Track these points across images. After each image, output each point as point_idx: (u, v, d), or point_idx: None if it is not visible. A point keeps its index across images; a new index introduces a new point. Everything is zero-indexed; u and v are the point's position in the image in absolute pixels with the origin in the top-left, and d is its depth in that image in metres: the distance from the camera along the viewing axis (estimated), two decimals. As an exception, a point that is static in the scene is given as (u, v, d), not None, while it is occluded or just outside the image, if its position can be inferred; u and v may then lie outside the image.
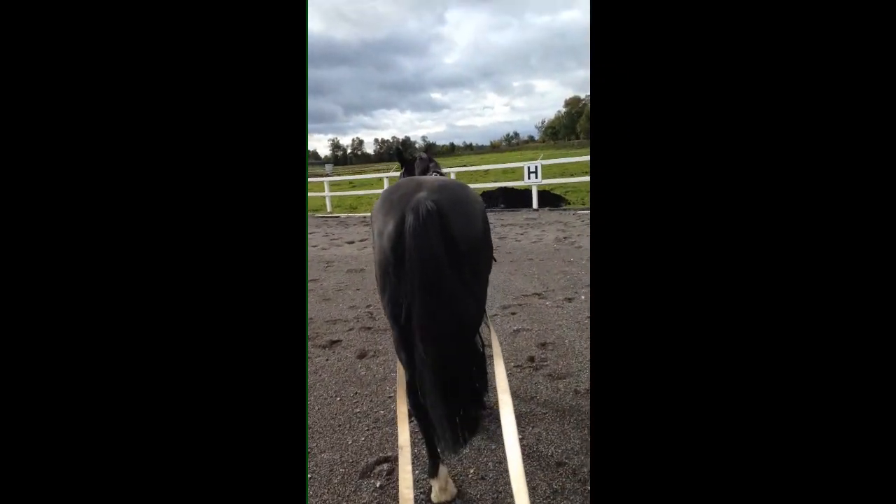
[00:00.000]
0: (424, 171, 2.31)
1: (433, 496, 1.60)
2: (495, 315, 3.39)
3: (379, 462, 1.83)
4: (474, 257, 1.42)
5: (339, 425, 2.12)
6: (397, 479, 1.44)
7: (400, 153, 2.57)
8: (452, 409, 1.29)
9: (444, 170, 2.67)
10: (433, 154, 2.59)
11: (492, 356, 1.55)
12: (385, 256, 1.37)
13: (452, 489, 1.63)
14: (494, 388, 1.38)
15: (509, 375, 2.40)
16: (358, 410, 2.24)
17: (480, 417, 1.40)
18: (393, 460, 1.83)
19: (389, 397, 2.33)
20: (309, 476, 1.77)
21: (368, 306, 3.84)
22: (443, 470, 1.60)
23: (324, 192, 12.74)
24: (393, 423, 2.08)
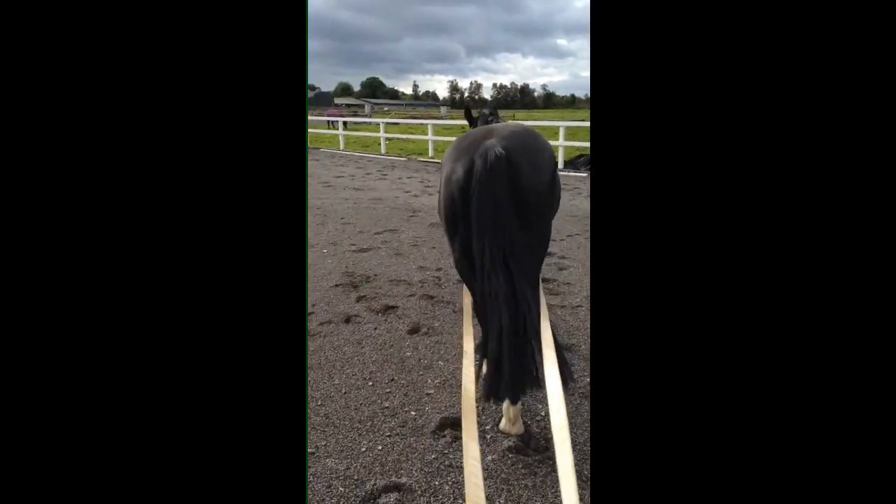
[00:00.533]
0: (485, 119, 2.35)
1: (501, 425, 1.67)
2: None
3: (388, 489, 1.45)
4: (540, 203, 1.43)
5: (360, 421, 1.78)
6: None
7: (468, 112, 2.59)
8: (516, 349, 1.28)
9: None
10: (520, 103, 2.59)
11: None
12: (453, 202, 1.40)
13: (520, 426, 1.64)
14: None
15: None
16: (387, 405, 1.89)
17: (536, 364, 1.31)
18: (405, 490, 1.45)
19: (427, 394, 1.94)
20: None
21: (438, 269, 3.45)
22: (516, 407, 1.61)
23: (427, 135, 12.42)
24: (420, 434, 1.69)
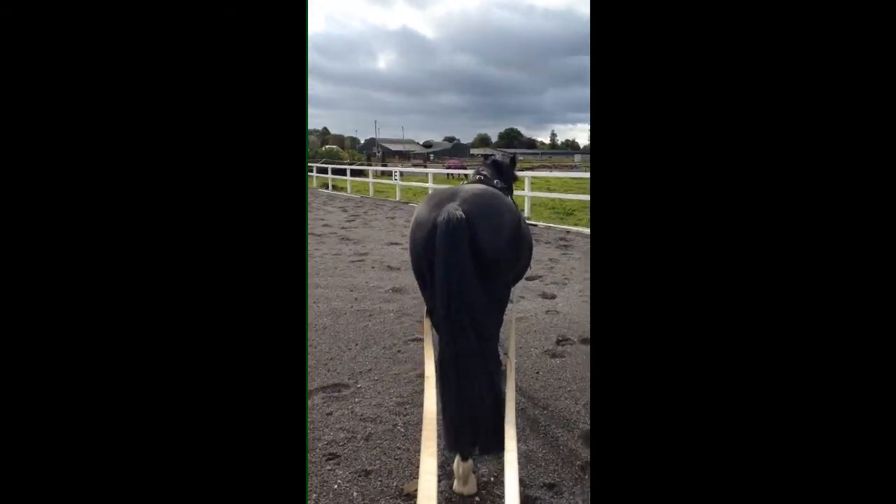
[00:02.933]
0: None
1: (455, 486, 1.63)
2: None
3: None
4: (499, 266, 1.51)
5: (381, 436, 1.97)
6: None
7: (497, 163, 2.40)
8: (465, 409, 1.39)
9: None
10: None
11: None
12: (418, 262, 1.54)
13: (473, 485, 1.64)
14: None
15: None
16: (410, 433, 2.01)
17: (497, 428, 1.38)
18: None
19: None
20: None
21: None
22: (466, 464, 1.60)
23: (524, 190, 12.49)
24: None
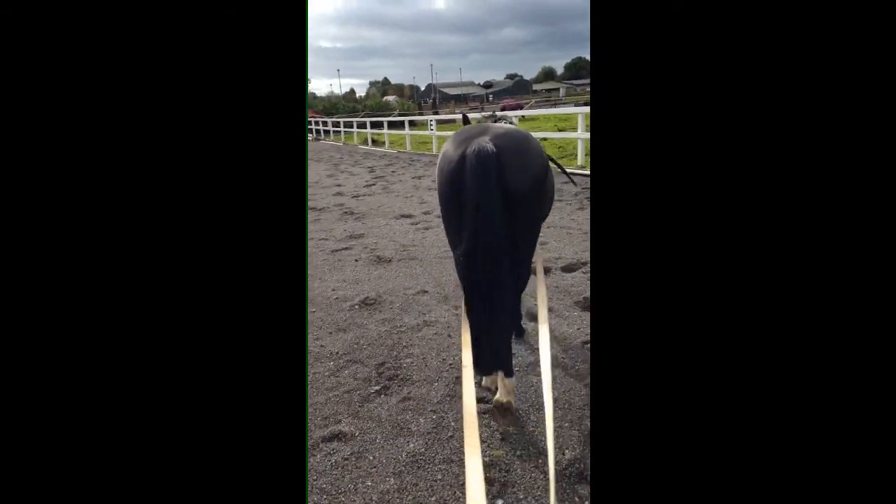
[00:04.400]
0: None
1: (497, 397, 1.71)
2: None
3: None
4: (526, 203, 1.53)
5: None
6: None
7: (466, 120, 2.48)
8: (495, 336, 1.46)
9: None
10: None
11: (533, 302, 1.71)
12: (446, 192, 1.55)
13: (514, 396, 1.72)
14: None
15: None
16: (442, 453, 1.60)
17: (509, 351, 1.56)
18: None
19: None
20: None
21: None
22: (510, 379, 1.67)
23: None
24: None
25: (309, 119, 25.25)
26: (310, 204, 6.25)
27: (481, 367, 1.52)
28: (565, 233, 4.30)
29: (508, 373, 1.66)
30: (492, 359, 1.53)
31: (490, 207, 1.42)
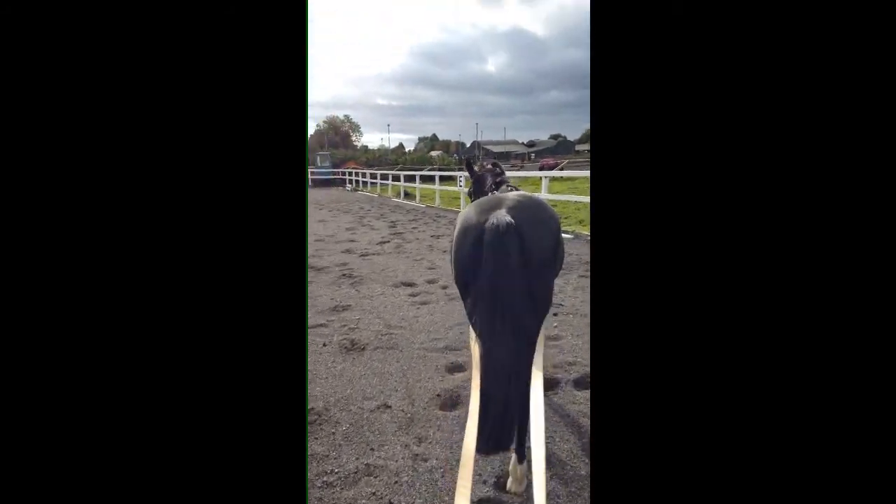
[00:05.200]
0: (496, 185, 2.24)
1: (509, 485, 1.68)
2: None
3: None
4: (545, 269, 1.55)
5: None
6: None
7: (470, 165, 2.53)
8: (508, 404, 1.37)
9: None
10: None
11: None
12: (463, 267, 1.52)
13: (523, 485, 1.65)
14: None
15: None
16: None
17: (524, 426, 1.50)
18: None
19: None
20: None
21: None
22: (522, 465, 1.63)
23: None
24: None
25: (351, 170, 26.05)
26: (313, 262, 5.76)
27: (497, 444, 1.38)
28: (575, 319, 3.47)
29: (521, 457, 1.65)
30: (511, 435, 1.42)
31: (510, 276, 1.41)
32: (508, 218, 1.44)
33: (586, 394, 2.47)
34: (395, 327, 3.51)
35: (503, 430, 1.37)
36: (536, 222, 1.55)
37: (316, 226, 9.35)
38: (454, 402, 2.43)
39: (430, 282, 4.87)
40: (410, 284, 4.79)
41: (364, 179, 22.62)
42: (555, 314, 3.72)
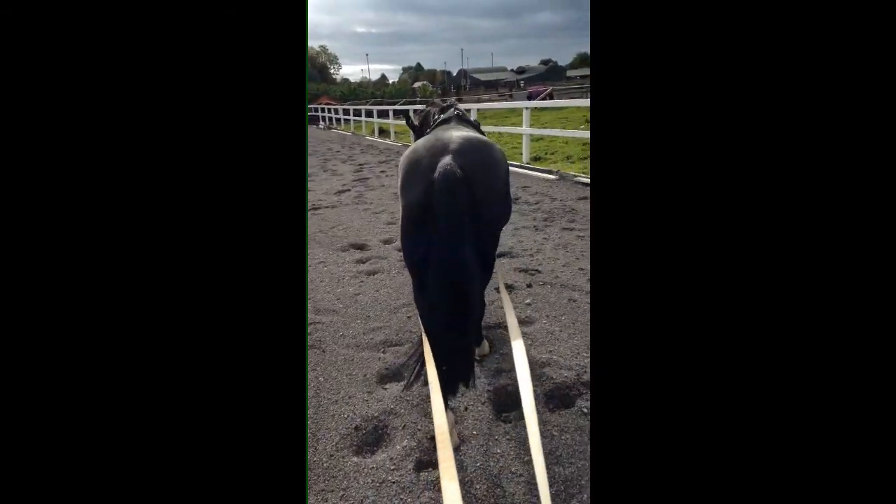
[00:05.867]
0: (441, 111, 2.12)
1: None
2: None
3: None
4: (494, 217, 1.54)
5: None
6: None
7: (408, 118, 2.43)
8: (454, 341, 1.41)
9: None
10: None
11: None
12: (411, 216, 1.46)
13: (455, 438, 1.62)
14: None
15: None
16: None
17: (472, 351, 1.55)
18: None
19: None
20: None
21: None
22: (450, 414, 1.55)
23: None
24: None
25: (322, 106, 24.14)
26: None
27: (450, 389, 1.42)
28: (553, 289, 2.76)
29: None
30: (460, 376, 1.47)
31: (460, 232, 1.38)
32: (457, 169, 1.38)
33: (563, 417, 1.79)
34: (326, 312, 2.78)
35: (455, 381, 1.41)
36: (487, 169, 1.49)
37: (274, 172, 8.35)
38: (377, 439, 1.74)
39: (386, 242, 4.10)
40: (361, 247, 4.01)
41: (338, 117, 20.99)
42: (528, 285, 3.00)
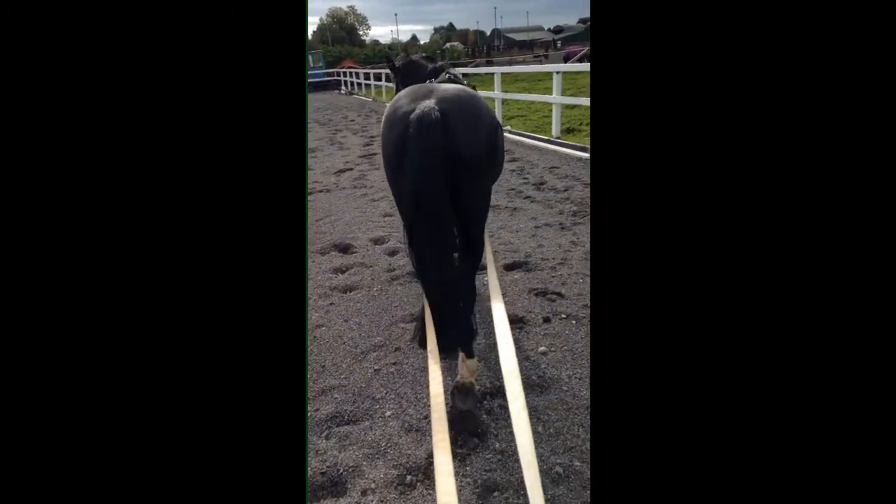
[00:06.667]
0: (433, 74, 2.02)
1: (459, 378, 1.57)
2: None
3: None
4: (476, 167, 1.43)
5: None
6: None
7: (390, 60, 2.26)
8: (448, 312, 1.39)
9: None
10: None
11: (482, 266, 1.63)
12: (390, 159, 1.46)
13: (474, 375, 1.60)
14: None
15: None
16: None
17: (469, 326, 1.47)
18: None
19: None
20: None
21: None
22: (472, 360, 1.57)
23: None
24: None
25: (345, 70, 23.12)
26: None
27: (440, 346, 1.33)
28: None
29: (469, 353, 1.56)
30: (450, 336, 1.40)
31: (433, 175, 1.31)
32: (436, 111, 1.33)
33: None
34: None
35: (442, 336, 1.33)
36: (469, 115, 1.43)
37: (279, 145, 7.68)
38: None
39: (376, 241, 3.38)
40: (345, 249, 3.30)
41: (359, 81, 19.98)
42: (545, 319, 2.22)
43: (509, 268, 2.83)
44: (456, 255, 1.43)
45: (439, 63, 2.20)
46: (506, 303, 1.93)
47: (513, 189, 4.40)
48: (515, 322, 2.20)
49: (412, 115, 1.34)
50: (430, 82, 1.93)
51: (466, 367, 1.56)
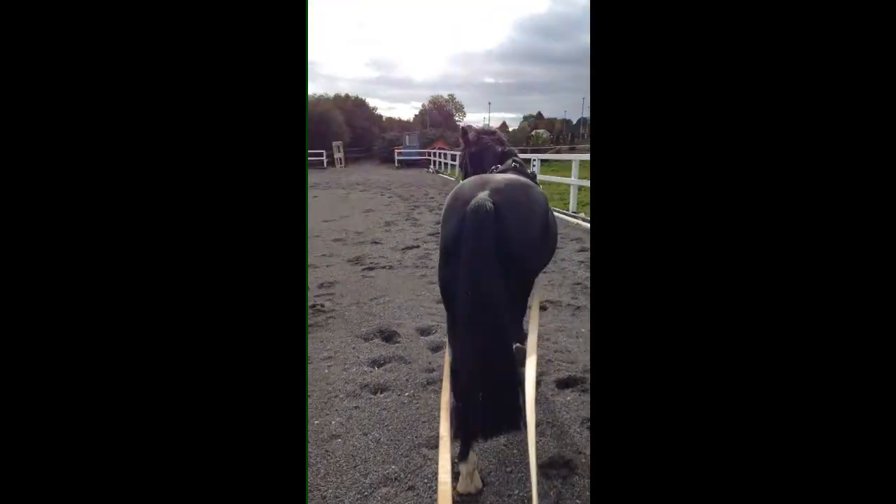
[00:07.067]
0: (500, 159, 2.08)
1: (458, 484, 1.56)
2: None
3: None
4: (526, 261, 1.49)
5: None
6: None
7: (465, 132, 2.27)
8: (487, 394, 1.36)
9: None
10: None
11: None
12: (446, 248, 1.50)
13: (478, 481, 1.60)
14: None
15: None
16: None
17: (518, 408, 1.39)
18: None
19: None
20: None
21: None
22: (472, 456, 1.56)
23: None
24: None
25: (435, 150, 24.69)
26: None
27: (483, 432, 1.44)
28: None
29: (464, 455, 1.58)
30: (497, 420, 1.40)
31: (486, 266, 1.37)
32: (489, 203, 1.38)
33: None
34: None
35: (498, 416, 1.36)
36: (521, 207, 1.48)
37: (359, 217, 8.05)
38: None
39: (423, 331, 3.14)
40: (388, 337, 3.10)
41: (446, 161, 21.13)
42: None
43: (562, 384, 2.41)
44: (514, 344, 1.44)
45: (508, 148, 2.22)
46: (551, 435, 1.83)
47: (578, 283, 4.02)
48: (559, 467, 1.77)
49: (468, 207, 1.40)
50: (494, 169, 2.03)
51: (473, 481, 1.59)
